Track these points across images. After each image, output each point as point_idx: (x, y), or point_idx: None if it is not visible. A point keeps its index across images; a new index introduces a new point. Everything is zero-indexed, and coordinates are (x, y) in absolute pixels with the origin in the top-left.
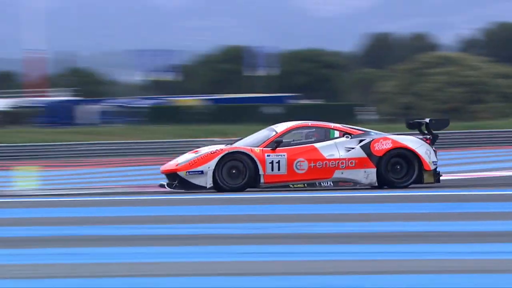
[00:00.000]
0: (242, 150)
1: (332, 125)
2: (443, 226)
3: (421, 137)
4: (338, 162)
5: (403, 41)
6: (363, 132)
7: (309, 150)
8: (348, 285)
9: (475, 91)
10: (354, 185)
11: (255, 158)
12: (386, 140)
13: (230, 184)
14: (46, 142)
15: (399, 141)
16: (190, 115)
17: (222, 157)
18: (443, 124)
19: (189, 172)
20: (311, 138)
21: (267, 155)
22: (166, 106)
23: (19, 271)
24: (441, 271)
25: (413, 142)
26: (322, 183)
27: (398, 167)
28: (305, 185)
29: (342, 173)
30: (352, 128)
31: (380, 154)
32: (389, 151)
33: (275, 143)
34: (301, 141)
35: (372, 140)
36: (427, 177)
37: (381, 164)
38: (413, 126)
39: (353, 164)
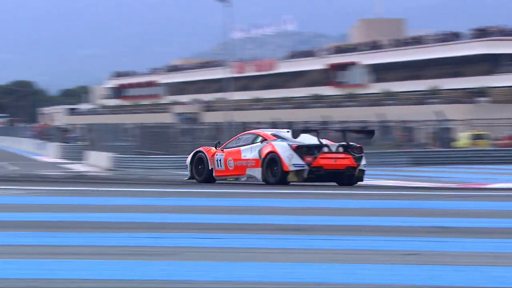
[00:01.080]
0: (202, 150)
1: (263, 132)
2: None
3: (291, 143)
4: (247, 162)
5: None
6: (275, 138)
7: (236, 151)
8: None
9: None
10: (255, 180)
11: (207, 157)
12: (269, 145)
13: (198, 177)
14: None
15: (274, 146)
16: None
17: (194, 154)
18: (296, 134)
19: None
20: (243, 142)
21: (216, 155)
22: None
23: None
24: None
25: (281, 147)
26: (241, 178)
27: (275, 167)
28: (235, 179)
29: (249, 170)
30: (273, 135)
31: (263, 157)
32: (267, 154)
33: (217, 144)
34: (237, 144)
35: (266, 144)
36: (291, 177)
37: (263, 164)
38: (296, 134)
39: (254, 164)
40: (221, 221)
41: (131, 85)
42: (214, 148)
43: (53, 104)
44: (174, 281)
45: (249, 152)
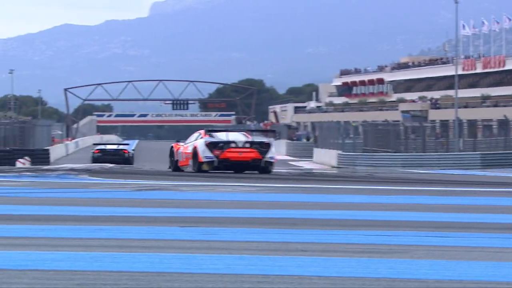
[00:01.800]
0: (173, 145)
1: (203, 131)
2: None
3: (208, 140)
4: (189, 155)
5: None
6: (209, 136)
7: (186, 146)
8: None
9: None
10: (191, 169)
11: (174, 151)
12: (197, 142)
13: (172, 167)
14: None
15: (197, 143)
16: None
17: (170, 149)
18: (210, 133)
19: None
20: (192, 139)
21: (179, 149)
22: None
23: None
24: None
25: (200, 144)
26: (188, 168)
27: (196, 159)
28: (183, 170)
29: (190, 161)
30: (208, 134)
31: (192, 151)
32: (193, 149)
33: (178, 140)
34: (189, 140)
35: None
36: (204, 166)
37: (192, 157)
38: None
39: (190, 156)
40: (448, 219)
41: (357, 83)
42: (179, 143)
43: (281, 103)
44: (403, 280)
45: (191, 147)
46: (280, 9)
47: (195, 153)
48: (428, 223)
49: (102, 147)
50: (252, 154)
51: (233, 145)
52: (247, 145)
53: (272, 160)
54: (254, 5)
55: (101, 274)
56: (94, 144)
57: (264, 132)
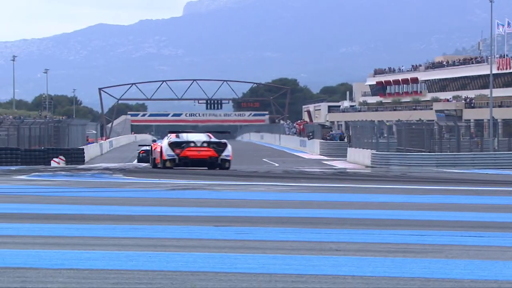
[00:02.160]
0: (151, 145)
1: (172, 132)
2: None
3: (172, 140)
4: (159, 153)
5: None
6: (175, 136)
7: (159, 145)
8: None
9: None
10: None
11: (152, 149)
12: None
13: (151, 165)
14: None
15: (162, 142)
16: None
17: (150, 148)
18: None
19: None
20: (164, 139)
21: (155, 148)
22: None
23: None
24: None
25: (164, 143)
26: (159, 165)
27: (161, 157)
28: (159, 166)
29: (159, 159)
30: (176, 134)
31: (159, 150)
32: (160, 148)
33: (154, 140)
34: (162, 140)
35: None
36: (167, 163)
37: (159, 155)
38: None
39: (159, 155)
40: (483, 219)
41: (391, 82)
42: (157, 143)
43: (315, 102)
44: (438, 279)
45: (159, 147)
46: (313, 8)
47: (161, 152)
48: (462, 223)
49: (147, 148)
50: (209, 152)
51: (192, 144)
52: (205, 144)
53: (227, 158)
54: (288, 4)
55: (135, 273)
56: (140, 145)
57: (221, 133)
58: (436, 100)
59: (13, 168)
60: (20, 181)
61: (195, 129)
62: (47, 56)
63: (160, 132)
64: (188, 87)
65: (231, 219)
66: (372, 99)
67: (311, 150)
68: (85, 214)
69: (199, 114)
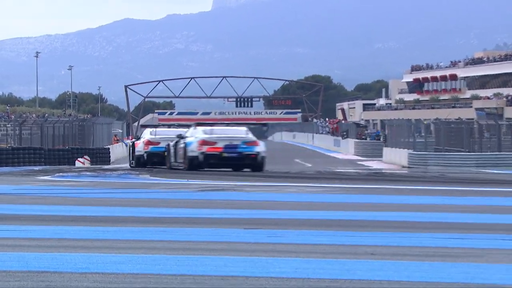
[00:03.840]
0: (134, 141)
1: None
2: None
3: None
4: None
5: None
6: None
7: (138, 143)
8: None
9: None
10: None
11: (134, 146)
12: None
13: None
14: None
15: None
16: None
17: (132, 144)
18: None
19: None
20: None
21: (137, 145)
22: None
23: None
24: None
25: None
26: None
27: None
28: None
29: None
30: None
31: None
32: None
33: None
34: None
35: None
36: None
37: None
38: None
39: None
40: None
41: (429, 79)
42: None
43: (349, 99)
44: (478, 285)
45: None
46: (347, 2)
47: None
48: (504, 226)
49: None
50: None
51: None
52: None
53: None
54: (315, 0)
55: (163, 278)
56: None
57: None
58: (476, 97)
59: (36, 168)
60: (44, 181)
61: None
62: (71, 52)
63: None
64: (218, 85)
65: (262, 222)
66: (409, 97)
67: (345, 150)
68: (111, 216)
69: (228, 112)
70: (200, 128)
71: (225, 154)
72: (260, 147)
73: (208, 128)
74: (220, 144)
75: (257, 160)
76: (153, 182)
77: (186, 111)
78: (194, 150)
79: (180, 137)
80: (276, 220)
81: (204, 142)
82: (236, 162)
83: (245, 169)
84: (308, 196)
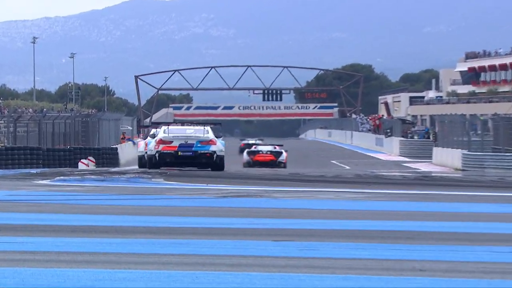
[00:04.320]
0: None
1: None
2: None
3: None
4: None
5: None
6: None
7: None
8: None
9: None
10: None
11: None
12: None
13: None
14: None
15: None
16: None
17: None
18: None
19: None
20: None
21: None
22: None
23: None
24: None
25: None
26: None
27: None
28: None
29: None
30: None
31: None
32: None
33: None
34: None
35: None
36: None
37: None
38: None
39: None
40: None
41: (486, 68)
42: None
43: (393, 92)
44: None
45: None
46: None
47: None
48: None
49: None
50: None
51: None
52: (269, 152)
53: (282, 161)
54: None
55: None
56: (241, 139)
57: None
58: None
59: (34, 171)
60: (42, 186)
61: (250, 124)
62: (74, 37)
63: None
64: (242, 75)
65: (293, 233)
66: (463, 89)
67: (389, 150)
68: (120, 226)
69: (254, 107)
70: (163, 128)
71: (180, 153)
72: (217, 146)
73: (168, 127)
74: (176, 143)
75: (213, 159)
76: (167, 187)
77: (205, 105)
78: (151, 149)
79: (153, 136)
80: (309, 231)
81: (161, 141)
82: (191, 160)
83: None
84: (346, 204)
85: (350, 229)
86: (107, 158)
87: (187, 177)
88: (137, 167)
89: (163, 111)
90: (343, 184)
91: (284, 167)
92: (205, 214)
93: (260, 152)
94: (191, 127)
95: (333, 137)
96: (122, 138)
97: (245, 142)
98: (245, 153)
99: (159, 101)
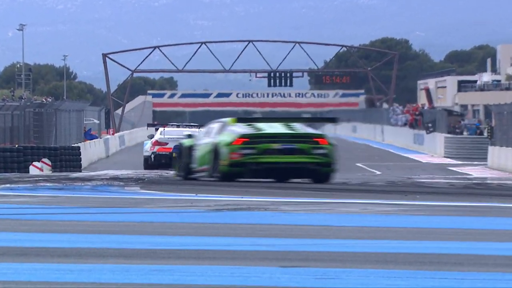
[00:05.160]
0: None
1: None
2: None
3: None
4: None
5: None
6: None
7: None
8: None
9: None
10: None
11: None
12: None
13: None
14: None
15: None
16: None
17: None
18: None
19: None
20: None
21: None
22: None
23: None
24: None
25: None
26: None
27: None
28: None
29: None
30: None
31: None
32: None
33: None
34: None
35: None
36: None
37: None
38: None
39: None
40: None
41: None
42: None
43: (437, 75)
44: None
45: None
46: None
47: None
48: None
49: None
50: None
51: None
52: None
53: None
54: None
55: None
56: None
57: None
58: None
59: None
60: None
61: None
62: (23, 4)
63: (198, 121)
64: (241, 52)
65: (308, 257)
66: None
67: (431, 150)
68: (83, 248)
69: (257, 94)
70: (159, 129)
71: (175, 154)
72: None
73: (164, 129)
74: (171, 145)
75: None
76: (144, 197)
77: (193, 92)
78: (147, 150)
79: (189, 136)
80: (328, 254)
81: (156, 143)
82: None
83: None
84: (375, 219)
85: (380, 251)
86: (67, 160)
87: (171, 185)
88: (106, 171)
89: (140, 99)
90: (372, 194)
91: None
92: (193, 232)
93: None
94: (187, 128)
95: (358, 133)
96: (94, 136)
97: None
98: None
99: (134, 86)
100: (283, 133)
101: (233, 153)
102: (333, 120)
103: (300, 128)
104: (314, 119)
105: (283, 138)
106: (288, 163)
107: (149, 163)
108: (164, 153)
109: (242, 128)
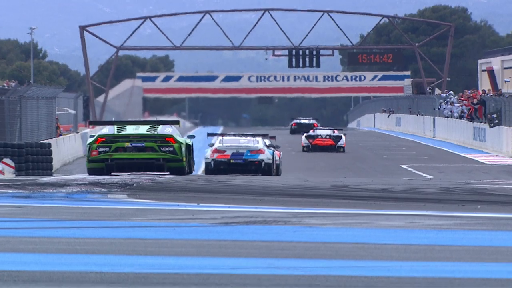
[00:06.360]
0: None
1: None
2: None
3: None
4: None
5: None
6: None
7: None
8: None
9: None
10: None
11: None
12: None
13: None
14: None
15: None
16: None
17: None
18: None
19: None
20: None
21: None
22: None
23: None
24: None
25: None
26: None
27: None
28: None
29: None
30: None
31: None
32: None
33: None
34: None
35: None
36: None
37: None
38: None
39: None
40: None
41: None
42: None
43: (503, 52)
44: None
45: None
46: None
47: None
48: None
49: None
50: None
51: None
52: (328, 136)
53: (342, 145)
54: None
55: None
56: (292, 118)
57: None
58: None
59: None
60: None
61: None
62: None
63: (200, 111)
64: (255, 25)
65: (338, 283)
66: None
67: (496, 148)
68: (56, 271)
69: (275, 77)
70: (218, 138)
71: (232, 161)
72: (265, 155)
73: (223, 138)
74: (228, 152)
75: (261, 166)
76: (133, 207)
77: (194, 74)
78: (208, 157)
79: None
80: (364, 280)
81: (216, 150)
82: (242, 167)
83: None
84: (424, 235)
85: (431, 276)
86: (35, 160)
87: (166, 192)
88: (84, 175)
89: (127, 83)
90: (420, 204)
91: (343, 151)
92: (195, 252)
93: (319, 136)
94: (243, 138)
95: (403, 126)
96: (58, 128)
97: (297, 121)
98: (303, 137)
99: (120, 67)
100: (135, 133)
101: (93, 151)
102: (175, 122)
103: (161, 129)
104: (159, 122)
105: (135, 138)
106: (139, 159)
107: (209, 169)
108: (222, 159)
109: (107, 130)
